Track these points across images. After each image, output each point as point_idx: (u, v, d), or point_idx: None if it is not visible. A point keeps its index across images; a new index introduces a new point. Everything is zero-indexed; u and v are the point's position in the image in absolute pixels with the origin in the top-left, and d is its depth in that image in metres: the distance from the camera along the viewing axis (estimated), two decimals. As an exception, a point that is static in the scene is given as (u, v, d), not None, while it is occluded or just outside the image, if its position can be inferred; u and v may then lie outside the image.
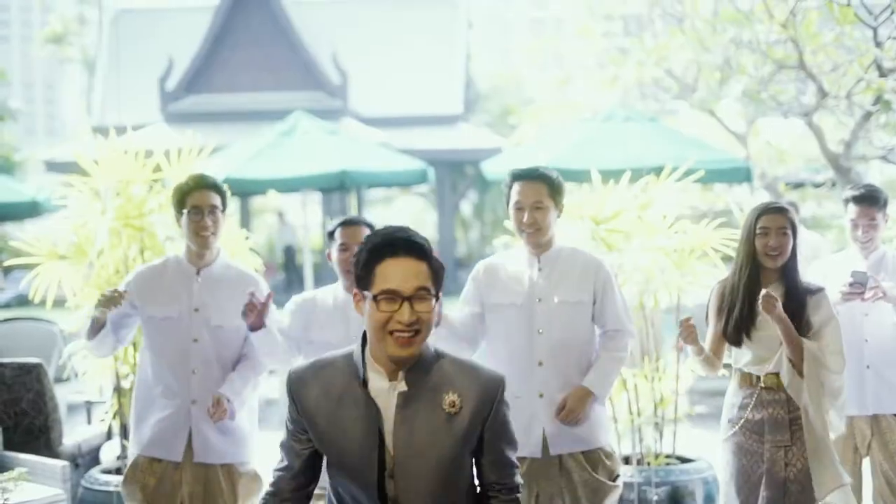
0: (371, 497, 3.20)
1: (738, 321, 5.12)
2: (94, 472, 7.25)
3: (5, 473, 5.52)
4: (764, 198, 13.94)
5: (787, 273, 5.11)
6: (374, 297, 3.12)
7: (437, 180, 18.44)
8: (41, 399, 7.34)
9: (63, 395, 8.91)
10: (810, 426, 4.98)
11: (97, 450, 8.01)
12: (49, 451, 7.20)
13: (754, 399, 5.12)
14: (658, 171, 7.26)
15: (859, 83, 10.39)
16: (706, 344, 5.27)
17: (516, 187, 5.12)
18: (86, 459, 7.74)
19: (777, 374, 5.08)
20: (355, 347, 3.28)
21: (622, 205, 6.77)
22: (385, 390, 3.20)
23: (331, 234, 5.35)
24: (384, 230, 3.21)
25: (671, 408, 7.31)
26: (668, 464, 7.21)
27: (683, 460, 7.31)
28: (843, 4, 9.90)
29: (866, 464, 6.05)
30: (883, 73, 10.03)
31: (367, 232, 5.16)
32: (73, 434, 7.87)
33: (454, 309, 5.28)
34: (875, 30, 10.16)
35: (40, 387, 7.36)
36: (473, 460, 3.32)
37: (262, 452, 9.65)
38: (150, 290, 5.45)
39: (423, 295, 3.13)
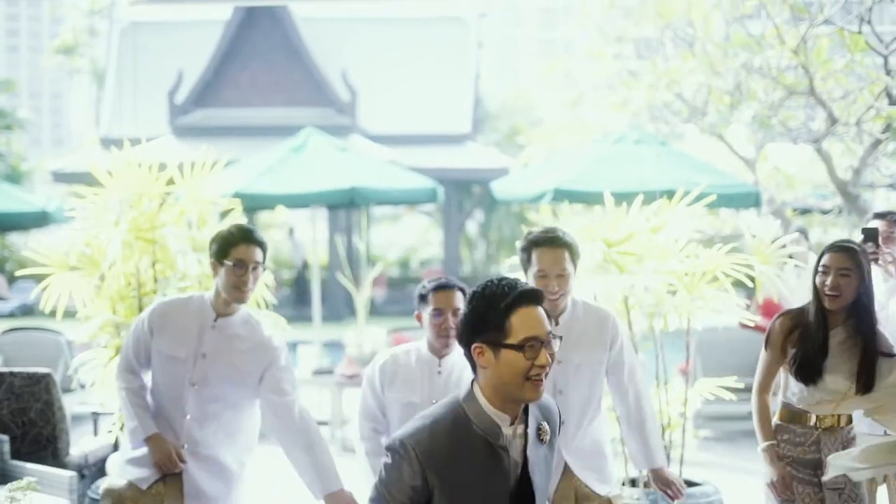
0: None
1: (809, 362, 4.99)
2: (101, 483, 7.24)
3: (14, 483, 5.52)
4: (771, 223, 13.94)
5: (855, 316, 4.95)
6: (519, 346, 3.21)
7: (444, 199, 18.43)
8: (49, 409, 7.34)
9: (69, 405, 8.92)
10: None
11: (103, 461, 8.01)
12: (56, 462, 7.21)
13: (808, 438, 5.05)
14: (669, 194, 7.27)
15: (869, 111, 10.42)
16: (758, 373, 5.19)
17: (537, 254, 5.14)
18: (92, 470, 7.74)
19: (837, 416, 5.01)
20: (464, 403, 3.31)
21: (634, 228, 6.78)
22: (509, 436, 3.31)
23: (423, 297, 5.21)
24: (501, 282, 3.28)
25: (678, 431, 7.31)
26: (674, 487, 7.19)
27: (690, 484, 7.30)
28: (855, 32, 9.94)
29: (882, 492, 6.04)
30: (893, 101, 10.06)
31: (460, 296, 5.11)
32: (80, 445, 7.87)
33: None
34: (886, 58, 10.19)
35: (49, 397, 7.36)
36: None
37: (266, 464, 9.63)
38: (165, 325, 5.39)
39: (551, 339, 3.29)
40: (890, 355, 4.99)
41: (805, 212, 14.90)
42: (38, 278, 7.19)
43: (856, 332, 4.95)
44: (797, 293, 7.86)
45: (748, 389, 5.51)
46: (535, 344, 3.22)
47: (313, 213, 13.38)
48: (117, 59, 31.75)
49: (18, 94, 47.89)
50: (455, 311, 5.09)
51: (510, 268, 7.34)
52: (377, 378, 5.21)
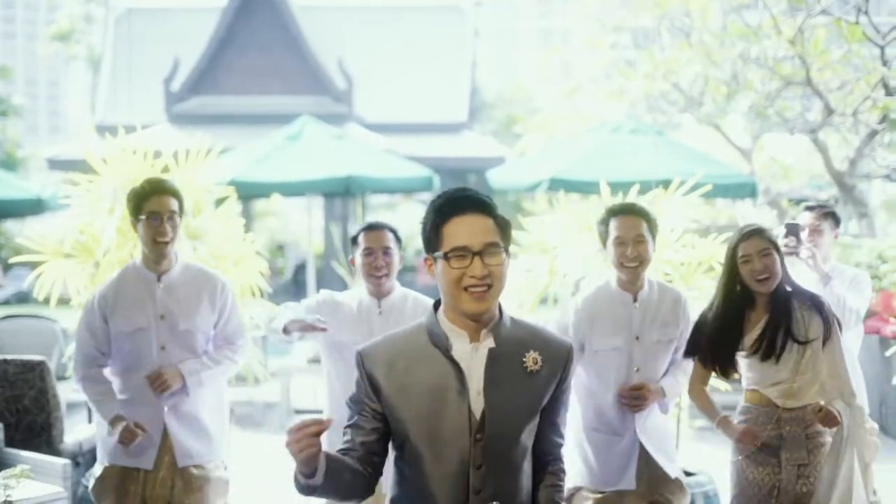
0: (455, 462, 3.20)
1: (721, 353, 5.11)
2: (95, 471, 7.24)
3: (8, 470, 5.51)
4: (767, 213, 13.95)
5: (776, 296, 5.04)
6: (445, 256, 3.15)
7: (440, 188, 18.48)
8: (43, 397, 7.33)
9: (63, 393, 8.90)
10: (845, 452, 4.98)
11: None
12: (50, 449, 7.19)
13: (770, 417, 5.07)
14: (665, 184, 7.26)
15: (865, 101, 10.42)
16: (693, 373, 5.31)
17: (615, 222, 5.17)
18: (86, 458, 7.73)
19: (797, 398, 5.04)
20: (425, 318, 3.30)
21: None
22: (468, 352, 3.22)
23: (354, 240, 5.34)
24: (446, 193, 3.24)
25: (673, 421, 7.30)
26: (669, 477, 7.19)
27: (685, 473, 7.29)
28: (852, 23, 9.93)
29: None
30: (889, 92, 10.06)
31: (390, 236, 5.27)
32: (74, 432, 7.86)
33: None
34: (882, 49, 10.19)
35: (43, 384, 7.35)
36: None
37: (261, 452, 9.65)
38: (116, 305, 5.35)
39: (493, 250, 3.16)
40: (812, 303, 5.06)
41: (801, 202, 14.87)
42: (33, 265, 7.17)
43: (775, 307, 5.03)
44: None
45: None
46: (463, 254, 3.13)
47: (309, 202, 13.38)
48: (113, 46, 31.69)
49: (14, 80, 47.78)
50: (386, 250, 5.23)
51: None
52: (323, 309, 5.35)
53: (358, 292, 5.42)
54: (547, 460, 3.39)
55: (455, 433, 3.19)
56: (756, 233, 5.06)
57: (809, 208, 6.49)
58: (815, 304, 5.06)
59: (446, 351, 3.22)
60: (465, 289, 3.15)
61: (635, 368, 5.21)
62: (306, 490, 3.20)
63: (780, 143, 16.25)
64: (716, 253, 6.91)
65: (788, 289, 5.09)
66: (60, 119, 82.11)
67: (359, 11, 32.37)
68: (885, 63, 10.11)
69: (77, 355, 5.46)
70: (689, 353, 5.24)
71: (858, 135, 11.57)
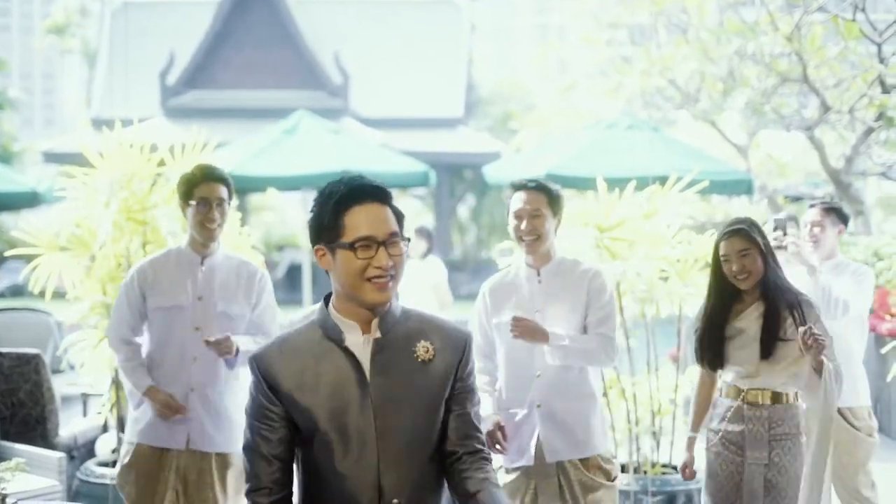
0: (357, 460, 3.12)
1: (710, 348, 5.15)
2: (90, 465, 7.24)
3: (2, 464, 5.50)
4: (763, 210, 13.96)
5: (767, 289, 5.05)
6: (351, 246, 3.06)
7: (436, 183, 18.55)
8: (38, 390, 7.33)
9: (58, 386, 8.90)
10: (818, 442, 4.98)
11: (93, 442, 7.99)
12: (45, 443, 7.19)
13: (733, 411, 5.11)
14: (661, 180, 7.26)
15: (862, 99, 10.42)
16: (696, 378, 5.34)
17: (515, 197, 5.19)
18: (81, 452, 7.73)
19: (761, 390, 5.07)
20: (316, 313, 3.22)
21: (626, 213, 6.78)
22: (360, 343, 3.14)
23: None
24: (343, 180, 3.14)
25: (668, 417, 7.32)
26: (664, 473, 7.21)
27: (676, 469, 7.31)
28: (849, 20, 9.92)
29: None
30: (886, 90, 10.05)
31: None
32: (69, 426, 7.86)
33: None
34: (879, 46, 10.18)
35: (38, 378, 7.34)
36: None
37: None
38: (156, 281, 5.47)
39: (395, 239, 3.10)
40: (802, 304, 5.07)
41: (797, 199, 14.90)
42: (28, 259, 7.16)
43: (766, 303, 5.06)
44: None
45: (738, 376, 5.53)
46: (368, 244, 3.05)
47: (304, 196, 13.34)
48: (109, 39, 31.65)
49: (9, 74, 47.75)
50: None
51: (501, 252, 7.34)
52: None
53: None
54: (465, 451, 3.24)
55: (360, 425, 3.11)
56: (735, 233, 5.08)
57: (813, 205, 6.53)
58: (792, 303, 5.06)
59: (340, 343, 3.14)
60: (369, 279, 3.07)
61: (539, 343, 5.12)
62: None
63: (776, 140, 16.26)
64: (712, 250, 6.91)
65: (781, 287, 5.09)
66: (56, 112, 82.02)
67: (355, 6, 32.35)
68: (881, 60, 10.11)
69: (111, 326, 5.54)
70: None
71: (855, 132, 11.58)
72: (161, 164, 7.09)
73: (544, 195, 5.15)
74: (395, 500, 3.12)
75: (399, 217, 3.15)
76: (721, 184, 10.91)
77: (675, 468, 7.33)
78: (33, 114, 79.98)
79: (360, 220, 3.06)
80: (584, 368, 5.19)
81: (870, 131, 11.16)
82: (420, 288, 10.42)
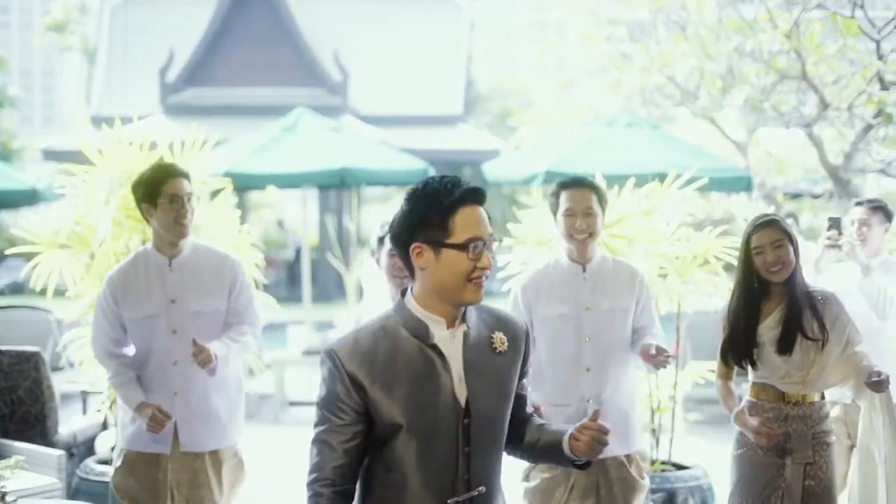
0: (444, 451, 3.20)
1: (743, 346, 5.06)
2: (90, 462, 7.25)
3: (2, 461, 5.51)
4: (762, 207, 13.96)
5: (789, 287, 5.02)
6: (464, 246, 3.14)
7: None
8: (38, 388, 7.34)
9: (58, 384, 8.90)
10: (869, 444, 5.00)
11: (92, 440, 8.00)
12: (44, 440, 7.20)
13: (778, 413, 5.04)
14: (660, 177, 7.27)
15: (861, 95, 10.41)
16: (717, 368, 5.26)
17: (566, 194, 5.27)
18: (81, 449, 7.74)
19: (800, 390, 5.02)
20: (393, 310, 3.28)
21: (626, 210, 6.78)
22: (446, 338, 3.22)
23: (381, 240, 5.34)
24: (448, 180, 3.21)
25: (668, 415, 7.32)
26: (663, 470, 7.22)
27: (679, 467, 7.32)
28: (847, 17, 9.92)
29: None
30: (885, 87, 10.05)
31: None
32: (69, 423, 7.87)
33: None
34: (878, 43, 10.18)
35: (38, 375, 7.35)
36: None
37: (255, 444, 9.65)
38: (127, 292, 5.40)
39: (493, 241, 3.22)
40: (825, 298, 5.07)
41: (796, 196, 14.89)
42: (28, 256, 7.17)
43: (789, 298, 5.02)
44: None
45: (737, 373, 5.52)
46: (478, 244, 3.15)
47: (304, 194, 13.37)
48: (108, 36, 31.63)
49: (9, 71, 47.72)
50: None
51: (501, 250, 7.34)
52: None
53: (383, 303, 5.37)
54: (521, 423, 3.44)
55: (445, 420, 3.19)
56: (768, 223, 5.03)
57: (859, 203, 6.51)
58: (814, 299, 5.04)
59: (426, 339, 3.21)
60: (471, 279, 3.17)
61: (586, 338, 5.26)
62: None
63: (775, 137, 16.24)
64: (711, 247, 6.92)
65: (804, 283, 5.08)
66: (55, 110, 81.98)
67: (354, 3, 32.33)
68: (880, 57, 10.10)
69: (95, 341, 5.51)
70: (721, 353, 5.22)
71: (853, 129, 11.57)
72: (161, 161, 7.09)
73: (594, 192, 5.29)
74: (480, 488, 3.23)
75: (490, 219, 3.25)
76: (720, 181, 10.93)
77: (674, 465, 7.35)
78: (33, 111, 79.94)
79: (469, 221, 3.16)
80: (627, 363, 5.32)
81: (869, 128, 11.15)
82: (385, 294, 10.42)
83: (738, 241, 6.98)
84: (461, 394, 3.20)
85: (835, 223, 6.07)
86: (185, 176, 5.41)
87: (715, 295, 7.11)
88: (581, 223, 5.21)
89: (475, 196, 3.19)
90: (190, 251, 5.47)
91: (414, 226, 3.18)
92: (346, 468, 3.19)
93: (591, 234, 5.26)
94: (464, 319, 3.25)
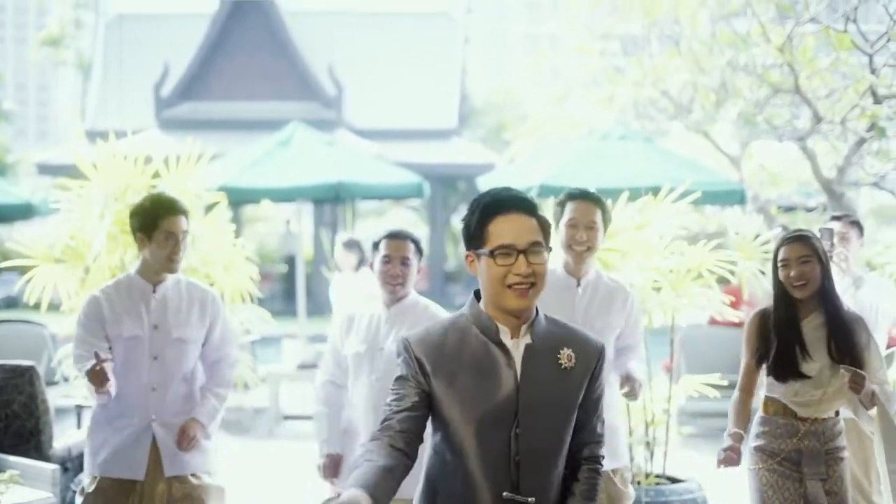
0: (494, 455, 3.26)
1: (782, 358, 5.03)
2: (84, 477, 7.23)
3: (-3, 475, 5.52)
4: (755, 221, 13.99)
5: (825, 300, 5.01)
6: (491, 253, 3.25)
7: (430, 194, 18.57)
8: (33, 402, 7.33)
9: (52, 398, 8.89)
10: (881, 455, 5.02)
11: (86, 454, 7.98)
12: (39, 455, 7.19)
13: (790, 430, 5.04)
14: (654, 191, 7.29)
15: (854, 109, 10.44)
16: (739, 377, 5.21)
17: (571, 205, 5.32)
18: (75, 464, 7.72)
19: (816, 406, 5.02)
20: (466, 310, 3.38)
21: (620, 224, 6.80)
22: (510, 345, 3.30)
23: (376, 245, 5.35)
24: (490, 191, 3.33)
25: (662, 428, 7.33)
26: (658, 484, 7.22)
27: (673, 480, 7.33)
28: (840, 31, 9.94)
29: None
30: (878, 100, 10.07)
31: (411, 246, 5.26)
32: (63, 438, 7.85)
33: None
34: (871, 57, 10.21)
35: (32, 389, 7.34)
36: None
37: (250, 458, 9.63)
38: (112, 311, 5.39)
39: (536, 249, 3.27)
40: (856, 317, 5.07)
41: (789, 210, 14.92)
42: (23, 270, 7.17)
43: (827, 313, 5.02)
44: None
45: (732, 386, 5.50)
46: (508, 251, 3.23)
47: (299, 208, 13.39)
48: (103, 51, 31.66)
49: (4, 85, 47.72)
50: (404, 260, 5.22)
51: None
52: (337, 332, 5.42)
53: (374, 307, 5.39)
54: (582, 457, 3.44)
55: (502, 417, 3.26)
56: (798, 238, 5.05)
57: (836, 218, 6.54)
58: (856, 324, 5.04)
59: (495, 336, 3.30)
60: (510, 286, 3.25)
61: None
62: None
63: (768, 151, 16.28)
64: (705, 260, 6.93)
65: (838, 302, 5.06)
66: (49, 124, 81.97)
67: (349, 17, 32.38)
68: (873, 71, 10.13)
69: (77, 357, 5.43)
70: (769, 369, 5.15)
71: (847, 142, 11.60)
72: (156, 175, 7.11)
73: (599, 208, 5.33)
74: (531, 499, 3.27)
75: (545, 227, 3.32)
76: (714, 194, 10.95)
77: (668, 479, 7.35)
78: (27, 125, 79.96)
79: (502, 229, 3.26)
80: (610, 380, 5.33)
81: (862, 142, 11.18)
82: (354, 299, 10.44)
83: (731, 254, 7.02)
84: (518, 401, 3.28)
85: (826, 234, 6.09)
86: (184, 213, 5.42)
87: (708, 308, 7.12)
88: (582, 235, 5.26)
89: (511, 204, 3.28)
90: (173, 282, 5.48)
91: (465, 236, 3.35)
92: (399, 440, 3.26)
93: (590, 248, 5.30)
94: (535, 331, 3.33)
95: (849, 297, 6.00)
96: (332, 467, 5.33)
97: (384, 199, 18.17)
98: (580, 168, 11.05)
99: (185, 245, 5.39)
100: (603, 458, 3.50)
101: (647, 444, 7.29)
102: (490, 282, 3.27)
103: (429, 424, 3.37)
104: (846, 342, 4.96)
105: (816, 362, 4.98)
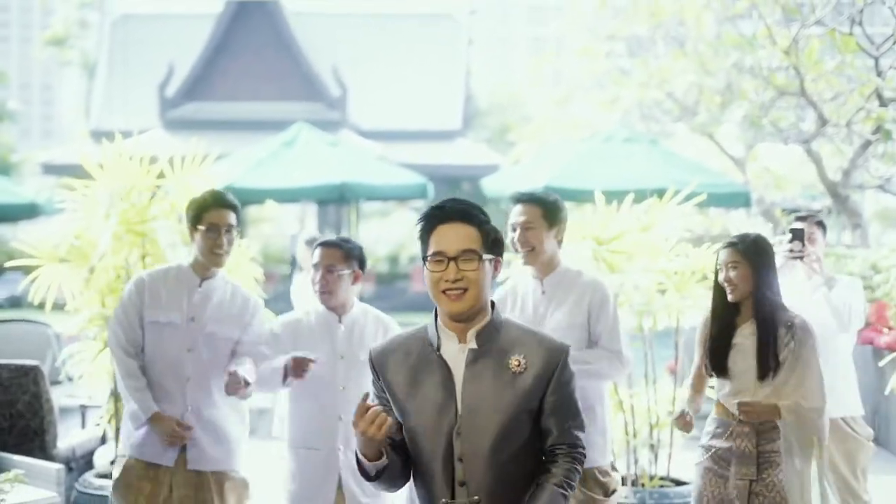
0: (441, 456, 3.41)
1: (713, 352, 5.21)
2: (89, 476, 7.25)
3: (1, 475, 5.52)
4: (760, 223, 13.99)
5: (757, 307, 5.11)
6: (425, 260, 3.45)
7: (434, 195, 18.59)
8: (37, 401, 7.33)
9: (57, 398, 8.89)
10: (791, 462, 5.04)
11: (91, 454, 8.00)
12: (43, 454, 7.19)
13: (726, 429, 5.15)
14: (659, 193, 7.28)
15: (859, 112, 10.43)
16: (690, 377, 5.45)
17: (513, 209, 5.36)
18: (80, 463, 7.73)
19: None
20: (430, 319, 3.52)
21: (624, 226, 6.79)
22: (456, 352, 3.45)
23: (309, 243, 5.42)
24: (438, 202, 3.51)
25: (666, 430, 7.32)
26: (662, 486, 7.22)
27: (677, 483, 7.32)
28: (846, 33, 9.94)
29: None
30: (883, 103, 10.07)
31: (338, 254, 5.29)
32: (68, 437, 7.86)
33: None
34: (876, 59, 10.20)
35: (37, 389, 7.35)
36: (538, 427, 3.47)
37: (253, 461, 9.64)
38: (153, 295, 5.47)
39: (468, 256, 3.40)
40: (794, 324, 5.10)
41: (794, 212, 14.93)
42: (27, 270, 7.16)
43: (757, 322, 5.12)
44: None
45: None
46: (439, 258, 3.39)
47: (303, 208, 13.38)
48: (108, 51, 31.69)
49: (8, 85, 47.75)
50: (330, 268, 5.26)
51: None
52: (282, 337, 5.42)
53: (313, 307, 5.44)
54: (557, 453, 3.48)
55: (442, 426, 3.41)
56: (731, 245, 5.17)
57: (801, 218, 6.54)
58: (788, 324, 5.09)
59: (436, 349, 3.46)
60: (443, 291, 3.40)
61: None
62: (373, 474, 3.42)
63: (773, 153, 16.29)
64: (709, 262, 6.92)
65: (773, 305, 5.12)
66: (54, 124, 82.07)
67: (353, 18, 32.40)
68: (878, 73, 10.13)
69: (111, 338, 5.51)
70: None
71: (852, 145, 11.61)
72: (160, 176, 7.10)
73: (539, 207, 5.30)
74: (475, 497, 3.40)
75: (488, 236, 3.44)
76: (719, 196, 10.95)
77: (673, 481, 7.34)
78: (32, 125, 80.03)
79: (440, 238, 3.42)
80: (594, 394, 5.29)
81: (867, 144, 11.18)
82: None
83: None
84: (458, 409, 3.40)
85: (797, 234, 6.06)
86: (231, 206, 5.48)
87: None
88: (520, 237, 5.28)
89: (451, 214, 3.43)
90: (221, 281, 5.54)
91: (421, 245, 3.50)
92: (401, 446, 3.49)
93: (532, 249, 5.28)
94: (481, 336, 3.44)
95: (821, 296, 5.99)
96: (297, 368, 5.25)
97: (388, 200, 18.17)
98: (584, 170, 11.06)
99: (229, 238, 5.42)
100: (584, 455, 3.51)
101: (651, 446, 7.29)
102: (428, 287, 3.44)
103: None
104: (767, 356, 5.04)
105: (744, 364, 5.09)
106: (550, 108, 22.60)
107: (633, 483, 7.18)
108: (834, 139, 11.72)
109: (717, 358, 5.17)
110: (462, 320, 3.43)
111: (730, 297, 5.13)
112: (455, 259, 3.38)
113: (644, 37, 15.87)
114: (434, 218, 3.44)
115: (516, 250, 5.30)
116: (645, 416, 7.23)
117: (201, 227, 5.39)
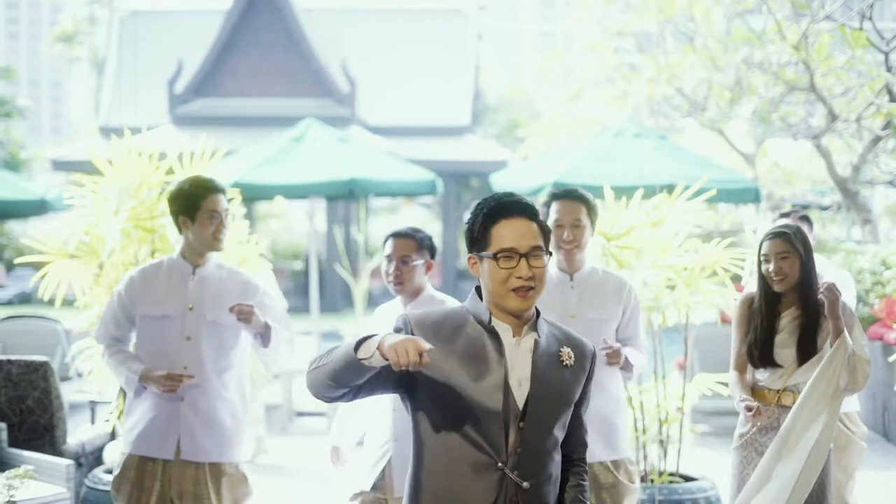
0: (492, 444, 3.34)
1: (758, 346, 5.22)
2: (98, 472, 7.26)
3: (12, 470, 5.53)
4: (769, 219, 13.96)
5: (803, 296, 5.18)
6: (494, 256, 3.34)
7: (443, 191, 18.57)
8: (47, 397, 7.34)
9: (66, 393, 8.91)
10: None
11: (100, 450, 8.01)
12: (53, 450, 7.20)
13: (772, 415, 5.18)
14: (668, 188, 7.28)
15: (869, 107, 10.42)
16: (731, 359, 5.39)
17: (556, 206, 5.40)
18: (89, 459, 7.74)
19: (793, 392, 5.16)
20: (467, 303, 3.48)
21: (634, 222, 6.79)
22: (511, 345, 3.40)
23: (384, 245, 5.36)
24: (494, 196, 3.44)
25: (675, 426, 7.32)
26: (671, 482, 7.21)
27: (687, 479, 7.32)
28: (856, 28, 9.92)
29: None
30: (893, 98, 10.05)
31: (412, 244, 5.22)
32: (77, 433, 7.87)
33: None
34: (887, 55, 10.18)
35: (46, 385, 7.36)
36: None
37: (263, 457, 9.63)
38: (145, 291, 5.46)
39: (537, 253, 3.37)
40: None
41: (804, 208, 14.91)
42: (37, 266, 7.18)
43: (803, 308, 5.19)
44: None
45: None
46: (510, 255, 3.33)
47: (312, 205, 13.39)
48: (117, 47, 31.73)
49: (18, 81, 47.86)
50: (404, 259, 5.21)
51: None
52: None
53: (395, 305, 5.37)
54: (572, 458, 3.54)
55: (494, 414, 3.33)
56: (779, 235, 5.21)
57: (785, 214, 6.62)
58: (823, 305, 5.15)
59: (489, 327, 3.39)
60: (512, 289, 3.35)
61: None
62: (354, 367, 3.24)
63: (783, 149, 16.27)
64: (719, 258, 6.92)
65: (816, 294, 5.17)
66: (63, 120, 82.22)
67: (362, 14, 32.41)
68: (888, 69, 10.11)
69: (99, 328, 5.53)
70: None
71: (862, 141, 11.59)
72: (169, 172, 7.11)
73: (584, 205, 5.41)
74: (525, 484, 3.35)
75: (545, 232, 3.42)
76: (728, 192, 10.92)
77: (682, 477, 7.34)
78: (41, 121, 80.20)
79: (505, 234, 3.36)
80: (615, 370, 5.38)
81: (877, 140, 11.17)
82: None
83: (746, 252, 7.02)
84: (520, 399, 3.36)
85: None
86: (223, 191, 5.49)
87: (722, 307, 7.11)
88: (569, 234, 5.34)
89: (514, 209, 3.38)
90: (215, 265, 5.54)
91: (467, 239, 3.45)
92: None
93: (578, 246, 5.38)
94: (534, 329, 3.42)
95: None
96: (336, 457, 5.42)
97: (397, 195, 18.13)
98: (594, 165, 11.03)
99: (228, 222, 5.47)
100: (585, 470, 3.58)
101: (661, 442, 7.28)
102: (493, 284, 3.36)
103: (413, 420, 3.42)
104: (812, 340, 5.14)
105: (786, 351, 5.17)
106: (560, 104, 22.59)
107: (643, 479, 7.17)
108: (843, 134, 11.71)
109: (764, 349, 5.20)
110: (522, 317, 3.40)
111: (777, 288, 5.18)
112: (526, 256, 3.35)
113: (653, 32, 15.85)
114: (496, 212, 3.38)
115: (560, 248, 5.36)
116: (654, 413, 7.22)
117: (201, 215, 5.37)
